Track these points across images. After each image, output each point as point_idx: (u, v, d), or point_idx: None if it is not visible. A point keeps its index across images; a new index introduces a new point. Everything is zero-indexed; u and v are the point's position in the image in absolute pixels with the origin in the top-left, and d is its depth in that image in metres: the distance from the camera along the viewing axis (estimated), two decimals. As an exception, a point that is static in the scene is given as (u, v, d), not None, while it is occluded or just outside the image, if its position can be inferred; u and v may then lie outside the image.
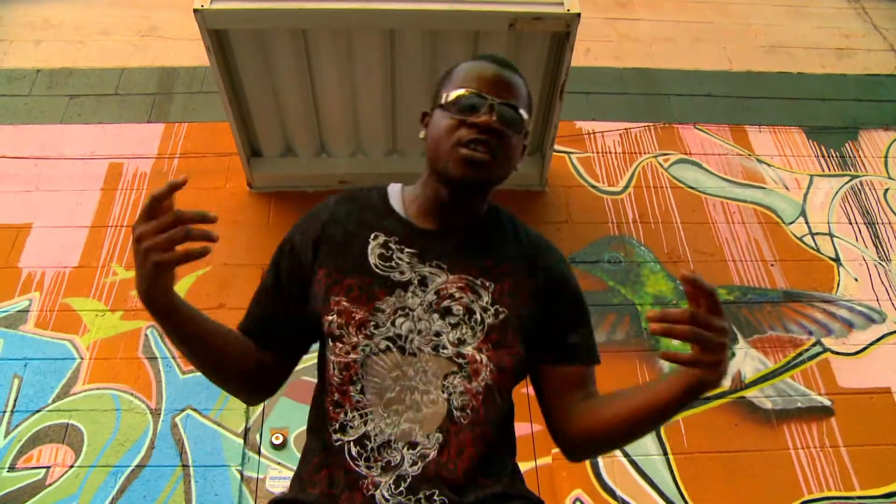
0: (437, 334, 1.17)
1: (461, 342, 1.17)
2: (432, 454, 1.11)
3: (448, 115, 1.20)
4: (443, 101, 1.22)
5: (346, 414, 1.14)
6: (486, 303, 1.19)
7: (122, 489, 2.53)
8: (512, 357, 1.18)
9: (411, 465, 1.10)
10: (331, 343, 1.18)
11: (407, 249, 1.21)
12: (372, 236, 1.23)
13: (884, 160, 3.82)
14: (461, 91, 1.20)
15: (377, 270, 1.19)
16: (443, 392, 1.14)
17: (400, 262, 1.20)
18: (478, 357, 1.16)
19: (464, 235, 1.25)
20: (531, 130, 3.26)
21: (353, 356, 1.15)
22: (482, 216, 1.30)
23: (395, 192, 1.32)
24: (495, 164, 1.18)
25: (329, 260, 1.22)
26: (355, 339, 1.15)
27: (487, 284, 1.20)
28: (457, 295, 1.19)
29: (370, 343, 1.15)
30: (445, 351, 1.16)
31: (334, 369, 1.17)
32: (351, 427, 1.13)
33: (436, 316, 1.18)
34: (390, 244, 1.22)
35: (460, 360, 1.16)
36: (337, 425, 1.14)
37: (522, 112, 1.21)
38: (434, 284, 1.19)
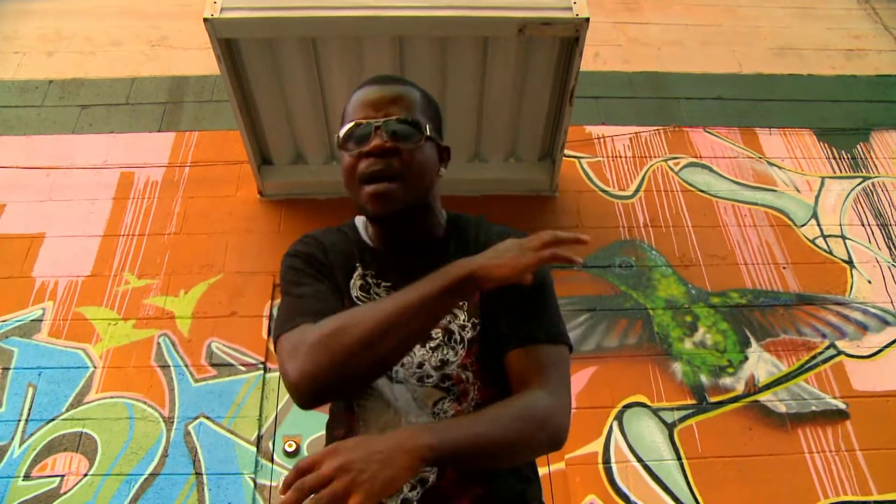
0: (420, 365, 1.16)
1: (444, 363, 1.16)
2: (431, 478, 1.10)
3: (346, 153, 1.19)
4: (338, 142, 1.21)
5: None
6: (463, 320, 1.18)
7: (135, 497, 2.53)
8: (494, 367, 1.17)
9: (410, 490, 1.09)
10: None
11: (383, 283, 1.22)
12: (352, 269, 1.24)
13: (896, 161, 3.80)
14: (348, 126, 1.18)
15: (359, 304, 1.20)
16: (433, 417, 1.13)
17: (377, 296, 1.21)
18: (463, 376, 1.15)
19: (427, 258, 1.21)
20: (541, 134, 3.30)
21: None
22: (441, 231, 1.28)
23: (360, 224, 1.32)
24: (404, 186, 1.16)
25: None
26: None
27: (461, 303, 1.19)
28: None
29: None
30: (430, 380, 1.15)
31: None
32: None
33: (416, 346, 1.17)
34: (367, 278, 1.23)
35: (447, 384, 1.15)
36: None
37: (417, 118, 1.18)
38: None
